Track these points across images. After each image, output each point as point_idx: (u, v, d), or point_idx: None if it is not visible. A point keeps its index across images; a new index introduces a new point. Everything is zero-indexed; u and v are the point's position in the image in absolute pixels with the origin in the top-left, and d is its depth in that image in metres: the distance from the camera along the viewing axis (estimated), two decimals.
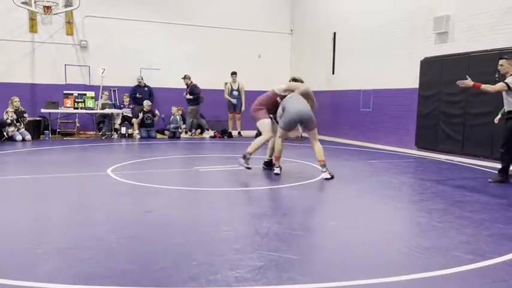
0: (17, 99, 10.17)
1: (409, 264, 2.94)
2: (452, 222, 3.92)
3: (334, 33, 12.17)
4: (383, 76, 10.33)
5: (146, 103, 11.65)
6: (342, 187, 5.62)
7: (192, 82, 11.99)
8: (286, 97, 6.05)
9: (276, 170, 6.13)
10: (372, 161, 8.00)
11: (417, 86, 9.31)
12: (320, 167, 6.03)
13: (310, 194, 5.26)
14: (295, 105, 5.89)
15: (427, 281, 2.66)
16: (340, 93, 12.03)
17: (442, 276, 2.73)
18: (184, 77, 11.96)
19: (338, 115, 12.07)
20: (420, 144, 9.32)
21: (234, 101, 12.14)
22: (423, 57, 9.12)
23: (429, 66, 8.99)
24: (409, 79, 9.51)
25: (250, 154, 6.05)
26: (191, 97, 11.87)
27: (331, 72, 12.36)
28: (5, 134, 9.85)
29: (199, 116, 12.34)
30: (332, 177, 5.85)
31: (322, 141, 10.84)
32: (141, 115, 11.52)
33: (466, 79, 5.85)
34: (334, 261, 2.98)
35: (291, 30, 14.36)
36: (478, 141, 7.96)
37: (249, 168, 6.02)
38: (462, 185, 5.75)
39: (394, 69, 10.00)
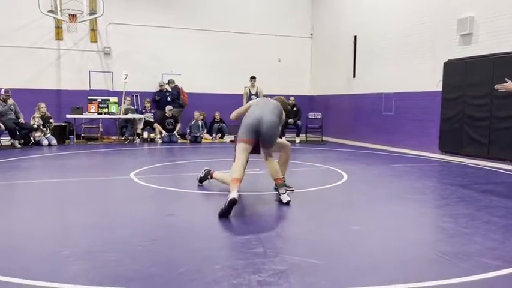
0: (43, 105, 10.45)
1: (435, 270, 2.89)
2: (479, 228, 3.83)
3: (355, 36, 12.09)
4: (405, 79, 10.19)
5: (168, 108, 11.79)
6: (365, 191, 5.56)
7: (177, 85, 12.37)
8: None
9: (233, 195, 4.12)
10: (394, 165, 7.89)
11: (440, 89, 9.15)
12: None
13: (332, 198, 5.22)
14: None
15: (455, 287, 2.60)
16: (361, 97, 11.92)
17: (469, 282, 2.66)
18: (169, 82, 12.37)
19: (359, 119, 11.96)
20: (444, 148, 9.14)
21: None
22: (447, 60, 8.96)
23: (453, 68, 8.83)
24: (432, 82, 9.36)
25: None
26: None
27: (352, 76, 12.27)
28: (32, 139, 10.12)
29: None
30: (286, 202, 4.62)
31: (343, 146, 10.65)
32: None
33: (506, 82, 5.15)
34: (357, 266, 2.95)
35: (311, 34, 14.33)
36: (504, 145, 7.76)
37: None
38: (489, 190, 5.61)
39: (416, 72, 9.86)
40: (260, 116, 4.60)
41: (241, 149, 4.58)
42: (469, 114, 8.48)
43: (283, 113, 4.92)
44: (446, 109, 9.01)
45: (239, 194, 4.21)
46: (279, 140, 5.06)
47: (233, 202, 4.01)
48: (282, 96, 5.18)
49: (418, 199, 5.11)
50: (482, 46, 8.24)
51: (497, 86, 5.29)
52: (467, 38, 8.58)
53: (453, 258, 3.05)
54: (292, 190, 5.27)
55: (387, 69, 10.78)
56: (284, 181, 5.08)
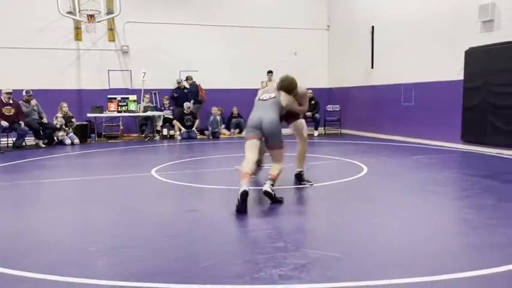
0: (65, 104, 10.67)
1: (458, 262, 2.86)
2: (502, 219, 3.77)
3: (372, 27, 11.92)
4: (425, 69, 10.01)
5: (186, 105, 11.88)
6: (385, 184, 5.52)
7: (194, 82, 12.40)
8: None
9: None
10: (415, 156, 7.79)
11: (462, 78, 8.97)
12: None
13: (352, 192, 5.20)
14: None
15: (479, 280, 2.57)
16: (380, 88, 11.77)
17: (494, 274, 2.63)
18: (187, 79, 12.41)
19: (379, 110, 11.82)
20: (466, 138, 8.96)
21: None
22: (468, 48, 8.76)
23: (474, 56, 8.62)
24: (453, 71, 9.17)
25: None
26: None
27: (370, 67, 12.12)
28: (55, 138, 10.36)
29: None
30: (271, 198, 4.45)
31: (363, 138, 10.59)
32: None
33: None
34: (379, 259, 2.94)
35: (328, 26, 14.19)
36: None
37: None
38: None
39: (436, 61, 9.67)
40: (260, 117, 4.66)
41: (248, 146, 4.66)
42: (492, 103, 8.28)
43: (287, 98, 4.91)
44: (468, 98, 8.82)
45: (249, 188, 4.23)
46: (298, 121, 5.29)
47: (244, 194, 4.06)
48: (289, 76, 5.05)
49: (439, 191, 5.05)
50: (505, 33, 8.02)
51: None
52: (488, 24, 8.37)
53: (477, 250, 3.01)
54: (312, 184, 5.29)
55: (406, 59, 10.60)
56: (302, 174, 5.29)
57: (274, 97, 4.87)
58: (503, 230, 3.46)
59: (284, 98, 4.92)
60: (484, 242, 3.19)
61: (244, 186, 4.13)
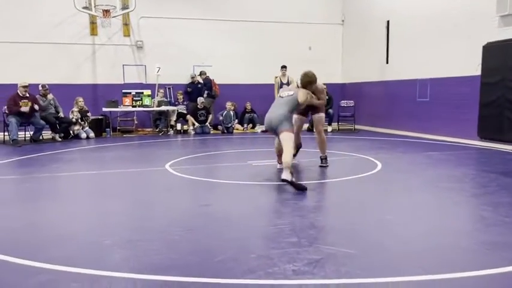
0: (81, 99, 10.81)
1: (473, 260, 2.83)
2: None
3: (388, 21, 11.78)
4: (441, 64, 9.87)
5: (199, 100, 11.93)
6: (400, 180, 5.48)
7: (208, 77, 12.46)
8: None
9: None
10: (430, 152, 7.70)
11: (479, 73, 8.82)
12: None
13: (366, 187, 5.17)
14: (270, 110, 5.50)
15: (494, 278, 2.55)
16: (395, 83, 11.65)
17: (509, 272, 2.60)
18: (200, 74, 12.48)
19: (393, 106, 11.71)
20: (483, 135, 8.83)
21: None
22: (485, 42, 8.61)
23: (492, 51, 8.47)
24: (470, 66, 9.02)
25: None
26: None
27: (385, 62, 11.99)
28: (71, 132, 10.51)
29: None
30: (291, 183, 4.74)
31: (377, 134, 10.53)
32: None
33: None
34: (393, 255, 2.93)
35: (342, 20, 14.07)
36: None
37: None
38: None
39: (453, 57, 9.53)
40: (269, 117, 5.33)
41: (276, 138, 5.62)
42: (510, 99, 8.14)
43: (305, 94, 5.48)
44: (485, 94, 8.68)
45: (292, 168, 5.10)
46: (319, 115, 6.23)
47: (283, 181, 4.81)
48: (309, 72, 5.77)
49: (455, 187, 4.99)
50: None
51: None
52: (507, 19, 8.20)
53: (493, 248, 2.98)
54: (327, 166, 6.22)
55: (422, 54, 10.46)
56: (322, 158, 6.29)
57: (292, 95, 5.43)
58: None
59: (302, 94, 5.45)
60: (500, 239, 3.15)
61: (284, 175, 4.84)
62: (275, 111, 5.31)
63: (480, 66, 8.76)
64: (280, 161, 5.88)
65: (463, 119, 9.33)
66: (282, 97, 5.48)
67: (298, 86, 5.89)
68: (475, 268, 2.66)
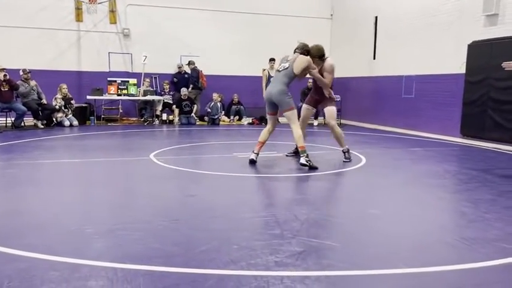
0: (65, 86, 10.61)
1: (452, 254, 2.88)
2: (499, 213, 3.79)
3: (376, 17, 11.83)
4: (427, 61, 9.97)
5: (183, 91, 11.82)
6: (384, 175, 5.53)
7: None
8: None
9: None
10: (414, 148, 7.79)
11: (464, 71, 8.93)
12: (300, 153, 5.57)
13: (351, 182, 5.21)
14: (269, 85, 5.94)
15: (472, 272, 2.60)
16: (381, 79, 11.73)
17: (488, 267, 2.65)
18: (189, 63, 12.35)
19: (379, 101, 11.80)
20: (465, 132, 8.97)
21: None
22: (471, 41, 8.72)
23: (477, 50, 8.58)
24: (455, 64, 9.13)
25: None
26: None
27: (372, 58, 12.06)
28: (54, 119, 10.32)
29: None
30: (310, 167, 5.40)
31: (363, 129, 10.59)
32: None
33: None
34: (375, 249, 2.96)
35: (331, 15, 14.08)
36: None
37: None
38: (511, 175, 5.50)
39: (438, 54, 9.63)
40: (269, 91, 5.67)
41: (268, 119, 5.95)
42: (493, 98, 8.27)
43: (302, 64, 5.60)
44: (469, 92, 8.81)
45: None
46: (329, 109, 6.10)
47: (250, 162, 5.66)
48: (320, 45, 6.13)
49: (437, 183, 5.06)
50: (509, 27, 7.97)
51: (504, 64, 5.63)
52: (493, 18, 8.31)
53: (472, 243, 3.03)
54: (350, 160, 6.16)
55: (408, 51, 10.55)
56: (344, 151, 6.19)
57: (287, 68, 5.64)
58: (499, 224, 3.48)
59: (299, 62, 5.60)
60: (479, 235, 3.21)
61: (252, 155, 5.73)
62: (275, 86, 5.59)
63: (465, 64, 8.88)
64: (256, 150, 5.82)
65: (446, 117, 9.46)
66: (279, 71, 5.70)
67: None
68: (455, 262, 2.70)
